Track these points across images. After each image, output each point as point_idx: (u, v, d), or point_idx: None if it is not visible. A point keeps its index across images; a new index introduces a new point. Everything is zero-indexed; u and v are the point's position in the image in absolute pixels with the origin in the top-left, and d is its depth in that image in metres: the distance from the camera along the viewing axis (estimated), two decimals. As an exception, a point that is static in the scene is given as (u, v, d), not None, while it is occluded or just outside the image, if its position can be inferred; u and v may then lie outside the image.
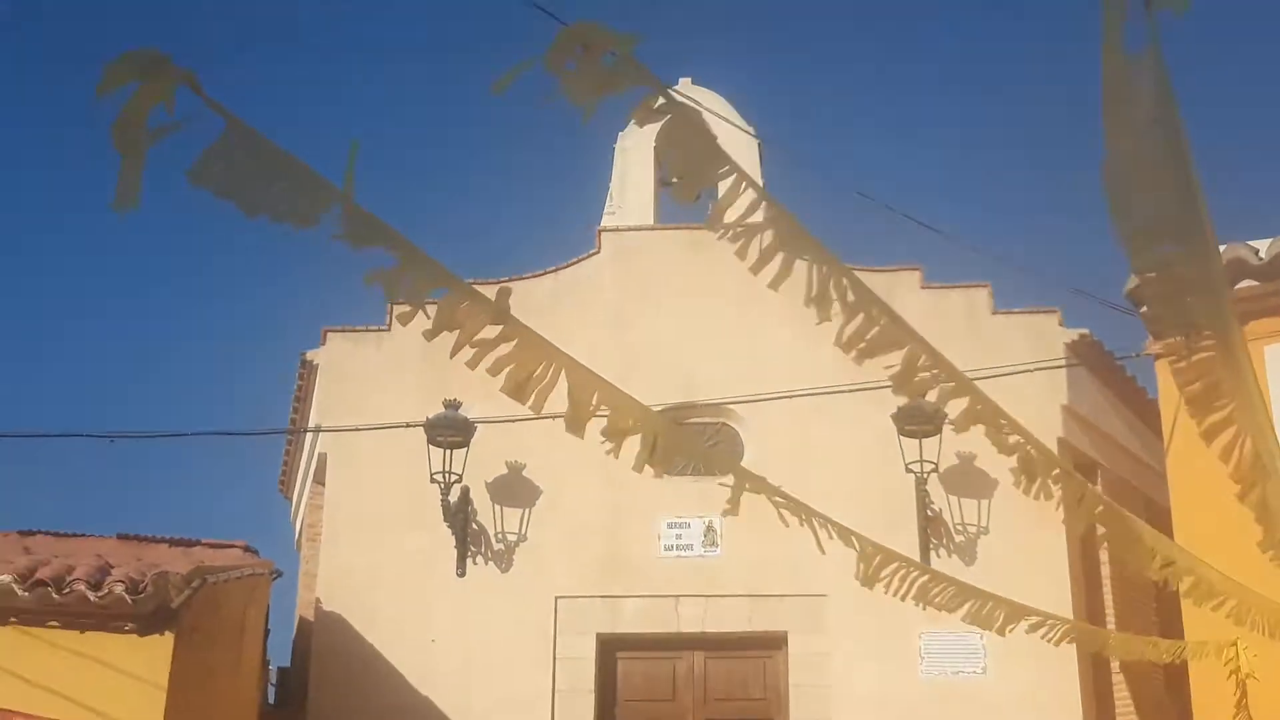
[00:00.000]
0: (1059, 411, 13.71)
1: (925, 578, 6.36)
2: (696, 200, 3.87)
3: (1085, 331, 13.84)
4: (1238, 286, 8.92)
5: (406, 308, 3.64)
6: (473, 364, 3.82)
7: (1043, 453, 5.12)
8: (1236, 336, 3.88)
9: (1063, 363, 13.64)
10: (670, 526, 13.87)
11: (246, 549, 13.41)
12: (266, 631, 13.79)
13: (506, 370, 3.87)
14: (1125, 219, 3.06)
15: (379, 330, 14.74)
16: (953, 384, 4.35)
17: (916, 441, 13.15)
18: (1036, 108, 34.36)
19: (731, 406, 13.88)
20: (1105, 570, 14.08)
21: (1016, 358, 13.45)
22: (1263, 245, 9.23)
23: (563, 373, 4.04)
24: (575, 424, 4.21)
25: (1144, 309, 9.46)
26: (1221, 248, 9.15)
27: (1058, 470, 5.21)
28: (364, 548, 14.05)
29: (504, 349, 3.84)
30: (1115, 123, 2.85)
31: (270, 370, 34.90)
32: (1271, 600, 6.79)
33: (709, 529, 13.79)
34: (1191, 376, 3.94)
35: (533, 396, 3.95)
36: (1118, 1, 2.62)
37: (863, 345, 4.05)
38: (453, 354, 3.82)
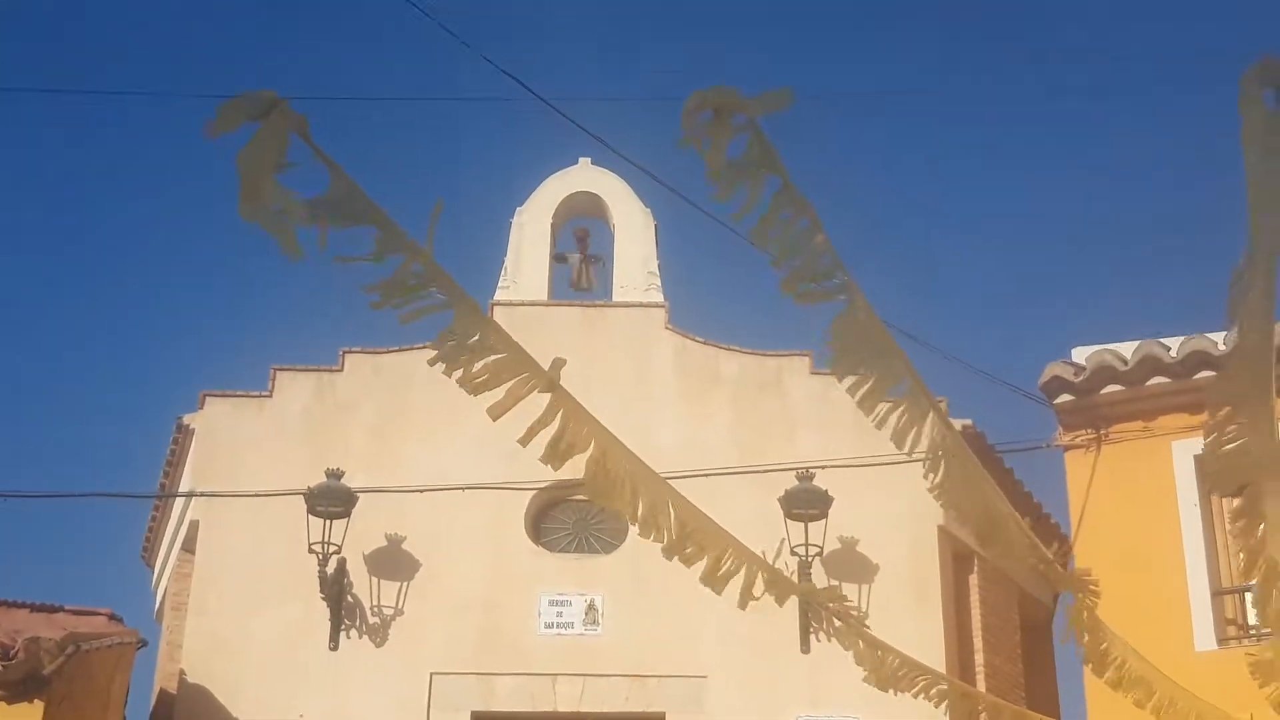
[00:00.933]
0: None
1: (928, 679, 6.39)
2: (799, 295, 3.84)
3: (968, 423, 14.06)
4: (1149, 383, 9.21)
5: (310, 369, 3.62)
6: (525, 441, 3.78)
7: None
8: (1268, 422, 3.95)
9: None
10: (551, 603, 13.74)
11: (111, 616, 13.03)
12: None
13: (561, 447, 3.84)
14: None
15: (260, 396, 14.49)
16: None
17: (802, 525, 13.22)
18: (933, 186, 34.97)
19: (618, 484, 13.83)
20: (979, 659, 14.25)
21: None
22: (1175, 343, 9.56)
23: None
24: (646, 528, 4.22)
25: (1057, 400, 9.78)
26: (1134, 344, 9.46)
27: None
28: (233, 619, 13.70)
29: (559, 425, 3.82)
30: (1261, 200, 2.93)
31: (136, 435, 33.87)
32: (1194, 695, 6.90)
33: (590, 607, 13.70)
34: (1220, 456, 3.99)
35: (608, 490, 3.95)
36: (1255, 97, 2.69)
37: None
38: (495, 415, 3.77)
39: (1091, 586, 5.43)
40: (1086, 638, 5.72)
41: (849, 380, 3.96)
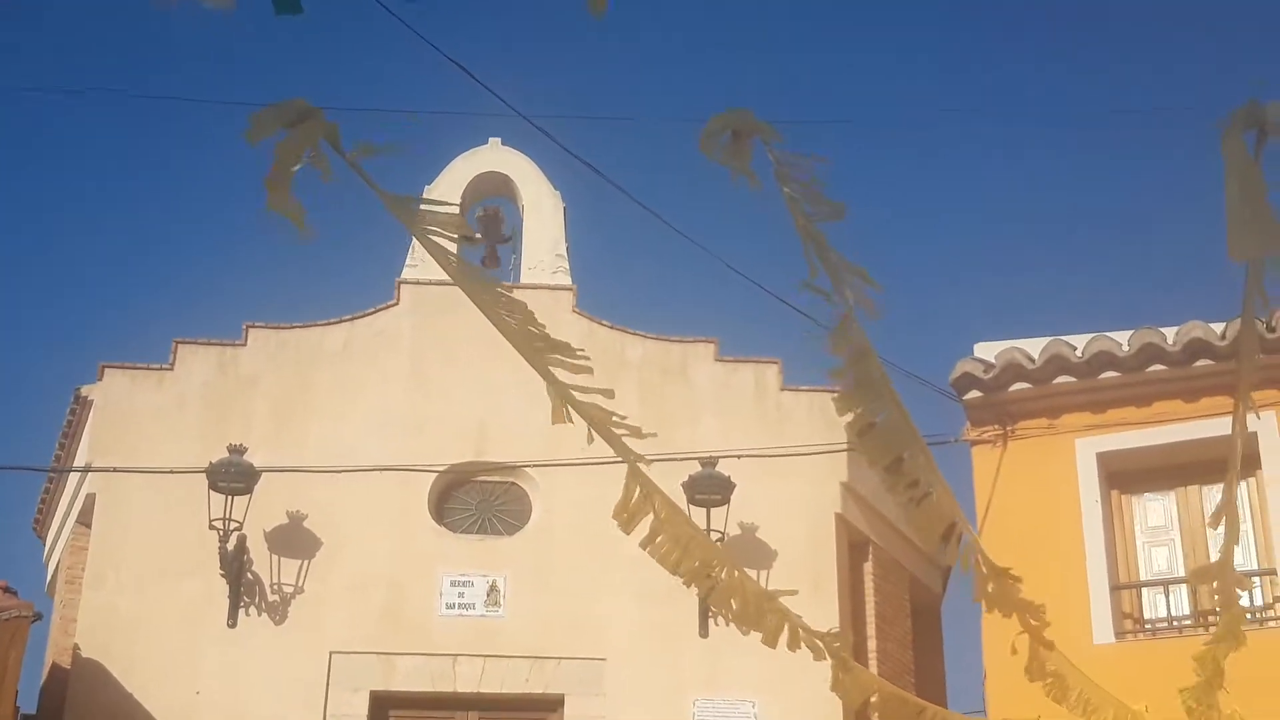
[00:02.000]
0: (838, 488, 14.14)
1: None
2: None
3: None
4: (1055, 381, 9.45)
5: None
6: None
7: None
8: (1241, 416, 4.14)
9: (844, 446, 14.00)
10: (453, 584, 13.76)
11: (6, 589, 12.83)
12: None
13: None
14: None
15: (161, 369, 14.31)
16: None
17: (705, 510, 13.37)
18: (856, 182, 35.15)
19: (522, 467, 13.89)
20: (871, 645, 14.52)
21: (801, 433, 13.88)
22: (1080, 342, 9.82)
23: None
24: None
25: (966, 396, 10.02)
26: (1044, 342, 9.73)
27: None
28: (130, 594, 13.55)
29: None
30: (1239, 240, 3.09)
31: (32, 404, 33.09)
32: (1095, 683, 7.15)
33: (493, 588, 13.74)
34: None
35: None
36: (1236, 140, 2.82)
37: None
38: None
39: (1037, 624, 5.64)
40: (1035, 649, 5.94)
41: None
